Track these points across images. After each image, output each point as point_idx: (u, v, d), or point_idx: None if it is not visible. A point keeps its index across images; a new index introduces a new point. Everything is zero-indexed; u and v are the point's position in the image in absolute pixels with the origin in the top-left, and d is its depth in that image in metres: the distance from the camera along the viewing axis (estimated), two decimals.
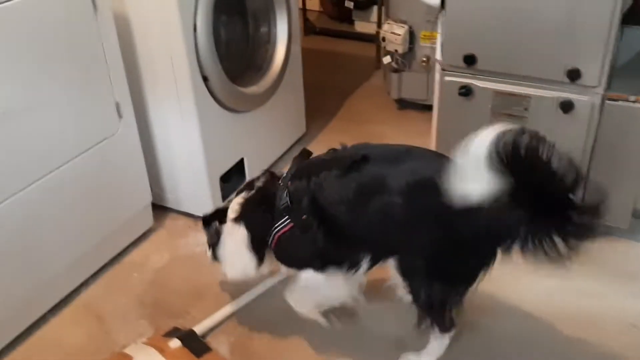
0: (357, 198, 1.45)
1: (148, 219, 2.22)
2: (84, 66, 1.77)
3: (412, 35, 2.73)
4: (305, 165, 1.59)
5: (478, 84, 1.94)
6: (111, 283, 2.02)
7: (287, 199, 1.52)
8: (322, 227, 1.49)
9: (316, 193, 1.48)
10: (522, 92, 1.89)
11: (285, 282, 1.96)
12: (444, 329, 1.62)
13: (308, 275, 1.60)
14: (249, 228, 1.63)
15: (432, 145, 2.36)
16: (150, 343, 1.75)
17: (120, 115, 1.93)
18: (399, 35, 2.69)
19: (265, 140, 2.47)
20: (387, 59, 2.84)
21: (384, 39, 2.76)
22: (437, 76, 2.22)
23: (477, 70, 1.93)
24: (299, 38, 2.52)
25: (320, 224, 1.49)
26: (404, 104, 2.99)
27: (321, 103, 3.01)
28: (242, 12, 2.32)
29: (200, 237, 2.20)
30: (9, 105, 1.58)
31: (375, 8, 3.61)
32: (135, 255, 2.14)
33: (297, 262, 1.64)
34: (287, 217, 1.54)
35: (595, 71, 1.76)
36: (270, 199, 1.57)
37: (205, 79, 2.01)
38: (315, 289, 1.63)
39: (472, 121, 2.01)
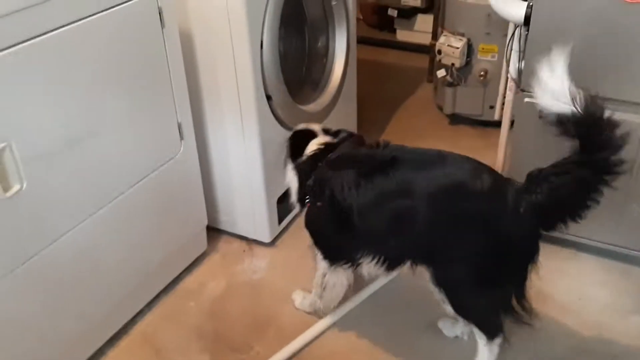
0: (377, 201, 1.46)
1: (202, 243, 2.11)
2: (150, 85, 1.66)
3: (469, 48, 2.61)
4: (343, 155, 1.60)
5: None
6: (167, 312, 1.91)
7: (312, 181, 1.59)
8: (336, 220, 1.54)
9: (335, 189, 1.51)
10: (618, 117, 1.76)
11: (353, 314, 1.86)
12: (491, 335, 1.55)
13: (324, 265, 1.70)
14: (298, 181, 1.69)
15: (499, 165, 2.25)
16: None
17: (181, 137, 1.82)
18: (457, 48, 2.57)
19: None
20: (441, 73, 2.72)
21: (439, 52, 2.64)
22: (509, 95, 2.11)
23: None
24: (355, 51, 2.41)
25: (333, 217, 1.54)
26: (456, 119, 2.87)
27: (370, 116, 2.89)
28: (301, 24, 2.21)
29: (256, 263, 2.10)
30: (77, 132, 1.48)
31: (419, 17, 3.51)
32: (190, 282, 2.03)
33: (315, 236, 1.70)
34: (308, 196, 1.62)
35: None
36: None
37: (268, 97, 1.90)
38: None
39: (553, 146, 1.89)
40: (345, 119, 2.48)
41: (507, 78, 2.61)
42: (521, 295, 1.49)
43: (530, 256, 1.45)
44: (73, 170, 1.49)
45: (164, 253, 1.91)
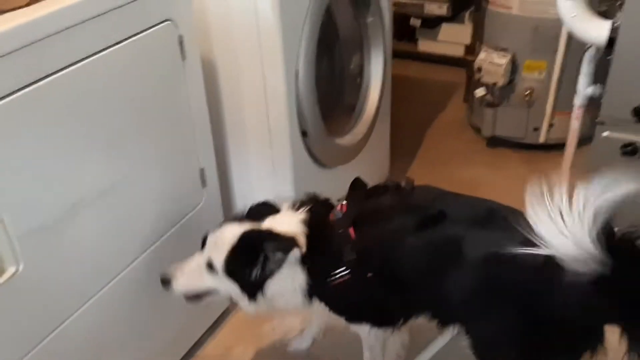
0: (428, 262, 1.25)
1: (224, 300, 1.83)
2: (169, 127, 1.39)
3: (513, 65, 2.35)
4: (370, 210, 1.32)
5: None
6: None
7: (353, 252, 1.27)
8: (387, 285, 1.30)
9: (389, 252, 1.27)
10: None
11: None
12: None
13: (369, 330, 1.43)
14: (310, 269, 1.32)
15: None
16: None
17: (204, 184, 1.54)
18: (500, 65, 2.30)
19: None
20: (480, 92, 2.45)
21: (479, 69, 2.37)
22: (575, 124, 1.85)
23: None
24: (390, 70, 2.14)
25: (386, 283, 1.30)
26: (494, 142, 2.60)
27: (399, 140, 2.61)
28: (333, 45, 1.94)
29: (287, 320, 1.83)
30: (83, 194, 1.20)
31: (443, 26, 3.24)
32: (212, 347, 1.74)
33: (357, 310, 1.40)
34: (347, 269, 1.29)
35: None
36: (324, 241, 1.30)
37: (304, 133, 1.63)
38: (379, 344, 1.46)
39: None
40: (378, 149, 2.22)
41: (555, 98, 2.36)
42: None
43: (586, 344, 1.19)
44: (78, 241, 1.21)
45: (183, 316, 1.63)
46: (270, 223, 1.30)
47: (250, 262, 1.25)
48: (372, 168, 2.20)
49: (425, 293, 1.31)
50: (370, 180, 2.20)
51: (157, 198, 1.41)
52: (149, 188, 1.37)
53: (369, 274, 1.30)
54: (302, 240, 1.27)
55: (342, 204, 1.33)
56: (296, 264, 1.27)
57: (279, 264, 1.25)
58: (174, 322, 1.60)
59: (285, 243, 1.25)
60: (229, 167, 1.70)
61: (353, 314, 1.42)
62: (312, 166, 1.75)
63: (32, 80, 1.03)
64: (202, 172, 1.52)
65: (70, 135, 1.15)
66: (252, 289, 1.28)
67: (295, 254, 1.25)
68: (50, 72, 1.06)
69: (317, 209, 1.34)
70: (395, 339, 1.49)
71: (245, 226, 1.29)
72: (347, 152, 1.89)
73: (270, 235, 1.27)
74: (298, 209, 1.33)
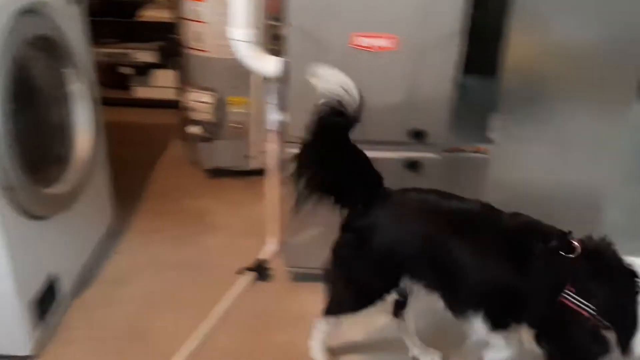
0: None
1: None
2: None
3: (220, 102, 2.57)
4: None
5: None
6: None
7: None
8: None
9: None
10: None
11: None
12: None
13: None
14: None
15: (273, 218, 2.23)
16: None
17: None
18: (208, 103, 2.51)
19: (74, 243, 2.06)
20: (194, 129, 2.62)
21: (190, 109, 2.54)
22: (271, 146, 2.11)
23: None
24: (101, 116, 2.17)
25: None
26: (215, 173, 2.79)
27: (124, 183, 2.64)
28: (32, 97, 1.90)
29: None
30: None
31: (155, 72, 3.37)
32: None
33: None
34: None
35: (439, 130, 1.83)
36: None
37: (9, 189, 1.58)
38: None
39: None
40: (99, 190, 2.23)
41: (260, 127, 2.64)
42: None
43: None
44: None
45: None
46: None
47: None
48: (94, 212, 2.21)
49: None
50: (93, 225, 2.21)
51: None
52: None
53: None
54: None
55: None
56: None
57: None
58: None
59: None
60: None
61: None
62: (24, 220, 1.69)
63: None
64: None
65: None
66: None
67: None
68: None
69: None
70: None
71: None
72: (60, 200, 1.87)
73: None
74: None
